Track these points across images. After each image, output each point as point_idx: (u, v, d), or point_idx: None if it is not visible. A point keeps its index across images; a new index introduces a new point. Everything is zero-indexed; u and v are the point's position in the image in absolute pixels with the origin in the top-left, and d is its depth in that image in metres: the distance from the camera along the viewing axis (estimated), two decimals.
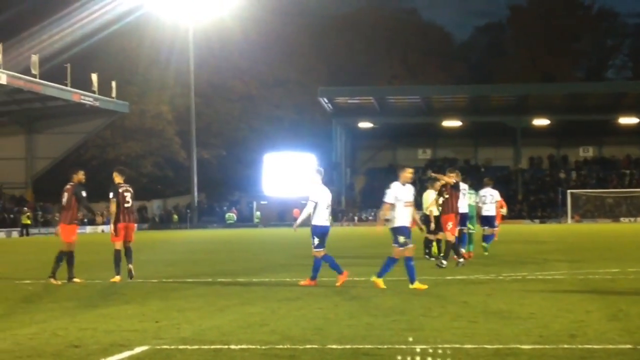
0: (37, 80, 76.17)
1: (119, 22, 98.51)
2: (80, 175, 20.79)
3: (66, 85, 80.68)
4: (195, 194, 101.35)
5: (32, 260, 31.03)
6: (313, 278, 19.05)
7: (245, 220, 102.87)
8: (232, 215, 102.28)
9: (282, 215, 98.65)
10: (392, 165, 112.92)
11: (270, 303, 15.25)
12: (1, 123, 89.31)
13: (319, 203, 19.52)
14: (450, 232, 23.96)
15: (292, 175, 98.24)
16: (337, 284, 18.65)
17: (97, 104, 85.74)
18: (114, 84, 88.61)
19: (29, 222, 75.64)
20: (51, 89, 78.78)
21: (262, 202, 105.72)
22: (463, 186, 26.12)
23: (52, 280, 19.85)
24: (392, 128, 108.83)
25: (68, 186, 20.55)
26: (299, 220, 19.89)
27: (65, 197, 20.43)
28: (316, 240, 19.15)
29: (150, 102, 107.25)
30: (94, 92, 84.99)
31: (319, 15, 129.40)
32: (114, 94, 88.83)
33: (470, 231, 27.43)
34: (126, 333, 11.92)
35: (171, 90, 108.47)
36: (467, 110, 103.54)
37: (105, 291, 18.11)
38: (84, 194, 20.48)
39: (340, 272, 18.98)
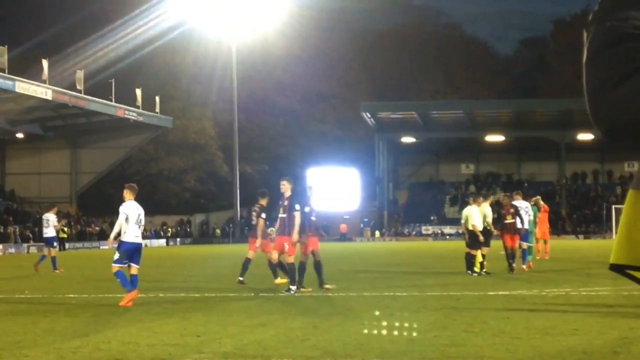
0: (82, 95, 76.91)
1: (163, 38, 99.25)
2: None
3: (111, 100, 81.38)
4: (238, 208, 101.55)
5: (73, 274, 31.21)
6: (128, 291, 18.56)
7: None
8: (274, 229, 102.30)
9: (325, 230, 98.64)
10: (435, 180, 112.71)
11: (312, 317, 15.23)
12: (47, 138, 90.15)
13: (129, 216, 19.13)
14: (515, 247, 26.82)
15: (335, 190, 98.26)
16: (122, 303, 18.16)
17: (140, 119, 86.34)
18: (157, 99, 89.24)
19: (65, 235, 76.03)
20: (96, 104, 79.47)
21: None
22: (525, 204, 29.03)
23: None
24: (434, 143, 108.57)
25: None
26: (113, 233, 19.93)
27: None
28: (117, 255, 18.96)
29: (194, 117, 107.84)
30: (138, 107, 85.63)
31: (362, 30, 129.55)
32: (157, 109, 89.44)
33: (530, 245, 30.03)
34: (168, 347, 11.95)
35: (214, 106, 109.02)
36: (511, 125, 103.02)
37: (147, 305, 18.18)
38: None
39: (129, 290, 18.47)
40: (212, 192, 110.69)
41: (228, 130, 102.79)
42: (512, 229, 26.87)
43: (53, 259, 32.75)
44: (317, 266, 21.42)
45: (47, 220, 33.63)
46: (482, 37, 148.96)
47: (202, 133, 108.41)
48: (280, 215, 21.24)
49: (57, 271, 31.74)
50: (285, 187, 21.19)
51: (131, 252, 19.10)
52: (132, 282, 18.69)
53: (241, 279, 24.29)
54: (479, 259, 26.47)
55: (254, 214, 25.28)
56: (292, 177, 21.78)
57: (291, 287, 20.76)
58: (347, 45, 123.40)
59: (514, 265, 26.97)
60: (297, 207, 20.76)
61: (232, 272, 31.66)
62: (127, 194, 19.88)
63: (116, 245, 19.45)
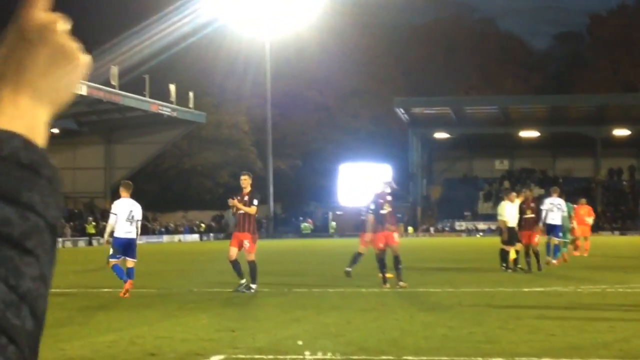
0: (117, 91, 77.30)
1: (197, 33, 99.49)
2: None
3: (145, 96, 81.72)
4: (271, 204, 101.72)
5: (108, 269, 31.31)
6: (124, 281, 19.34)
7: (320, 230, 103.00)
8: (307, 226, 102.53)
9: (357, 225, 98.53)
10: (468, 176, 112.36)
11: (346, 313, 15.23)
12: (82, 133, 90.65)
13: (118, 215, 19.73)
14: (536, 244, 26.27)
15: (367, 186, 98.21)
16: (121, 293, 19.04)
17: (174, 114, 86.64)
18: (191, 94, 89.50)
19: (93, 231, 76.33)
20: (130, 99, 79.85)
21: (337, 213, 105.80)
22: (558, 201, 29.01)
23: None
24: (468, 138, 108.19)
25: None
26: (106, 234, 20.17)
27: None
28: (111, 250, 19.68)
29: (227, 112, 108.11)
30: (171, 102, 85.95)
31: (396, 26, 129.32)
32: (191, 105, 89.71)
33: (564, 240, 30.31)
34: (202, 342, 11.99)
35: (248, 101, 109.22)
36: (546, 121, 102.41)
37: (181, 300, 18.25)
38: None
39: (124, 280, 19.32)
40: None
41: (261, 125, 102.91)
42: (531, 225, 26.34)
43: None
44: (396, 261, 21.08)
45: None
46: (516, 33, 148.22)
47: (236, 128, 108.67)
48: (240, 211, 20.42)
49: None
50: (246, 182, 20.63)
51: (123, 247, 19.66)
52: (128, 274, 19.42)
53: (349, 269, 24.31)
54: (513, 255, 26.29)
55: (364, 209, 25.30)
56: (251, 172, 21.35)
57: (252, 285, 20.18)
58: (381, 41, 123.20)
59: (530, 262, 26.14)
60: (255, 202, 20.26)
61: (265, 268, 31.69)
62: (122, 191, 20.35)
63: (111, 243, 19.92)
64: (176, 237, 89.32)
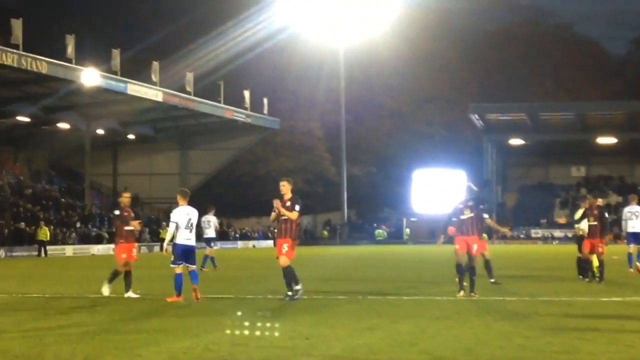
0: (192, 97, 78.01)
1: (271, 40, 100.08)
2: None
3: (219, 102, 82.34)
4: (345, 210, 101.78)
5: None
6: (177, 295, 19.64)
7: (394, 237, 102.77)
8: (381, 232, 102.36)
9: (431, 232, 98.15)
10: (544, 183, 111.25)
11: (420, 321, 15.16)
12: (157, 139, 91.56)
13: (178, 223, 19.89)
14: (600, 253, 25.01)
15: (441, 192, 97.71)
16: (168, 299, 19.46)
17: (249, 120, 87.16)
18: (265, 100, 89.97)
19: (164, 236, 76.73)
20: (205, 105, 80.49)
21: (411, 219, 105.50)
22: (637, 208, 28.58)
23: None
24: (544, 145, 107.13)
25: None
26: (166, 241, 20.36)
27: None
28: (172, 257, 19.87)
29: (301, 118, 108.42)
30: (246, 108, 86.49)
31: (470, 31, 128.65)
32: (265, 111, 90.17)
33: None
34: (277, 349, 12.02)
35: (321, 107, 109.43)
36: (623, 127, 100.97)
37: (256, 306, 18.32)
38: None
39: (178, 294, 19.59)
40: (319, 193, 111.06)
41: (335, 131, 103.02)
42: (594, 233, 25.62)
43: (205, 257, 34.29)
44: (487, 265, 20.83)
45: (208, 221, 34.82)
46: (593, 37, 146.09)
47: (310, 134, 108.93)
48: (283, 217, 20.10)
49: (204, 269, 32.95)
50: (285, 188, 20.37)
51: (185, 254, 19.89)
52: (191, 278, 19.68)
53: (492, 280, 24.68)
54: (595, 263, 25.67)
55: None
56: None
57: (296, 288, 19.78)
58: (455, 47, 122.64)
59: (589, 272, 25.44)
60: (297, 208, 20.00)
61: (339, 274, 31.69)
62: (180, 199, 20.58)
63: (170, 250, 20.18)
64: (250, 243, 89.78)
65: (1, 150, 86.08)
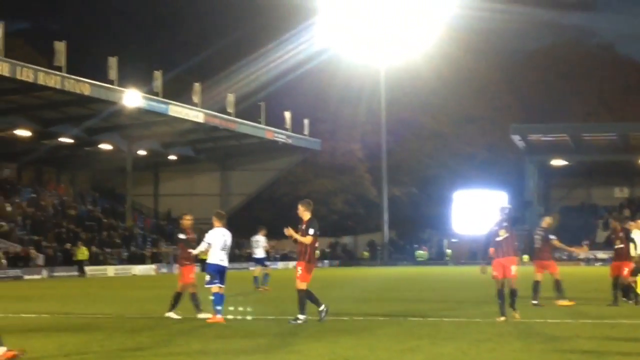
0: (233, 118, 78.28)
1: (312, 61, 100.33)
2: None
3: (260, 123, 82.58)
4: (386, 231, 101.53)
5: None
6: (217, 313, 19.99)
7: (435, 258, 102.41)
8: (422, 253, 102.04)
9: (473, 253, 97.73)
10: (587, 204, 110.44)
11: (461, 343, 15.09)
12: (198, 160, 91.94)
13: (212, 244, 20.55)
14: (625, 277, 24.77)
15: (482, 214, 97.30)
16: (208, 319, 19.88)
17: (289, 141, 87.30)
18: (306, 121, 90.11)
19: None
20: (246, 126, 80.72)
21: (452, 240, 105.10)
22: None
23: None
24: (586, 165, 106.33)
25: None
26: (195, 251, 21.37)
27: None
28: (207, 277, 20.33)
29: (341, 139, 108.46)
30: (286, 129, 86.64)
31: (511, 51, 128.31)
32: (306, 131, 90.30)
33: None
34: None
35: (362, 128, 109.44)
36: None
37: (296, 328, 18.32)
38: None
39: (218, 314, 19.94)
40: (359, 214, 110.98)
41: (376, 152, 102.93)
42: (622, 256, 25.31)
43: (255, 278, 34.86)
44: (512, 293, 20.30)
45: (257, 241, 35.32)
46: (635, 57, 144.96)
47: (350, 155, 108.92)
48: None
49: (261, 289, 33.94)
50: (301, 212, 20.31)
51: (217, 273, 20.43)
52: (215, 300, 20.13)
53: (535, 302, 24.82)
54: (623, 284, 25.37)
55: (537, 237, 25.39)
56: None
57: (299, 316, 19.53)
58: (496, 67, 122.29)
59: (617, 295, 24.95)
60: (311, 232, 19.95)
61: (379, 296, 31.63)
62: (216, 221, 20.96)
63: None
64: (291, 264, 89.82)
65: (44, 171, 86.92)
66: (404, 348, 14.51)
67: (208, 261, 20.55)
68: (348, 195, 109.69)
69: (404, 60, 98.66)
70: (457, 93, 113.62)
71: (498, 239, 20.20)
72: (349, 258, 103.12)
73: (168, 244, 79.88)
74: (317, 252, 36.46)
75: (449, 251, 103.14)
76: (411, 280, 48.60)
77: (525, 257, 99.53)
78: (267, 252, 36.97)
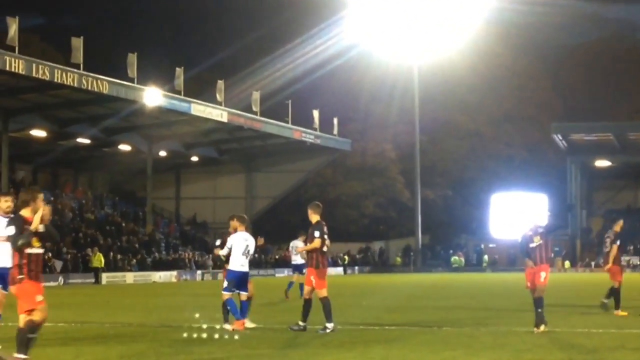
0: (258, 117, 78.25)
1: (341, 57, 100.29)
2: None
3: (287, 122, 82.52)
4: (419, 235, 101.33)
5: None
6: (237, 319, 20.12)
7: (472, 264, 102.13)
8: (458, 259, 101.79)
9: (511, 259, 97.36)
10: (633, 207, 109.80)
11: (499, 354, 15.03)
12: (222, 161, 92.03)
13: (235, 249, 20.67)
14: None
15: (522, 217, 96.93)
16: (231, 327, 19.96)
17: (318, 141, 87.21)
18: (335, 120, 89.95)
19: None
20: (272, 126, 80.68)
21: (490, 245, 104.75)
22: None
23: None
24: (633, 166, 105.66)
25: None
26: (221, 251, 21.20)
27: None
28: (225, 283, 20.59)
29: (372, 139, 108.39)
30: (315, 129, 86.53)
31: (552, 47, 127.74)
32: (335, 131, 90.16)
33: None
34: None
35: (394, 128, 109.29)
36: None
37: (326, 337, 18.31)
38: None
39: (237, 318, 20.10)
40: (392, 218, 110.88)
41: (409, 153, 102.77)
42: None
43: (300, 285, 34.36)
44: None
45: (295, 247, 35.06)
46: None
47: (382, 156, 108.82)
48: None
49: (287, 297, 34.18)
50: (310, 215, 20.41)
51: (238, 281, 20.59)
52: (241, 309, 20.32)
53: (605, 301, 25.34)
54: None
55: (607, 240, 25.39)
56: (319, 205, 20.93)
57: (327, 325, 19.59)
58: (536, 63, 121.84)
59: None
60: (316, 234, 19.98)
61: (412, 304, 31.58)
62: (238, 225, 21.04)
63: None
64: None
65: (61, 173, 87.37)
66: (438, 359, 14.47)
67: (229, 267, 20.73)
68: (379, 198, 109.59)
69: (439, 56, 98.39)
70: (494, 91, 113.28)
71: (532, 245, 20.04)
72: (380, 264, 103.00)
73: (192, 250, 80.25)
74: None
75: (486, 257, 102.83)
76: (446, 288, 48.49)
77: (567, 264, 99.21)
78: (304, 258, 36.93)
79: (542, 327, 19.24)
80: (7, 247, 15.15)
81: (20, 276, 12.60)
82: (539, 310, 19.48)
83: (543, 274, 19.75)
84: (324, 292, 19.84)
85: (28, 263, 12.76)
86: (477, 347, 16.28)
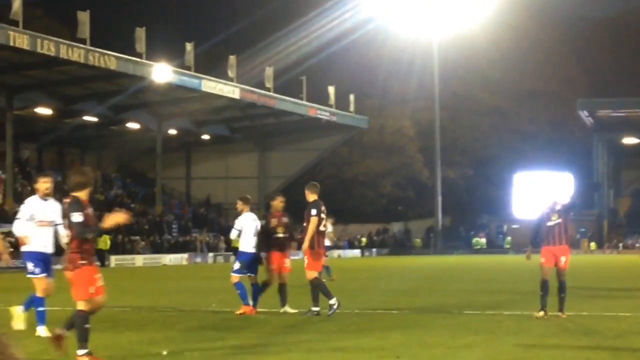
0: (271, 94, 78.22)
1: (357, 31, 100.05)
2: None
3: (302, 99, 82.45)
4: (439, 216, 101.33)
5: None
6: (245, 304, 20.21)
7: (494, 245, 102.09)
8: (480, 240, 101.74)
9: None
10: None
11: (523, 339, 14.99)
12: (233, 140, 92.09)
13: (246, 230, 20.79)
14: None
15: (546, 197, 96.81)
16: (238, 312, 20.03)
17: (334, 118, 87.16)
18: (352, 97, 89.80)
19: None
20: (286, 103, 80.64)
21: (513, 226, 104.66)
22: None
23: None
24: None
25: None
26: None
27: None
28: (238, 265, 20.76)
29: (390, 116, 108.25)
30: (330, 106, 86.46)
31: (578, 19, 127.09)
32: (351, 108, 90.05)
33: None
34: None
35: (413, 104, 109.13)
36: None
37: (342, 322, 18.31)
38: None
39: (246, 303, 20.16)
40: (410, 198, 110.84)
41: (428, 130, 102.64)
42: None
43: (326, 268, 35.17)
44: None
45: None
46: None
47: (400, 134, 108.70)
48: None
49: (332, 278, 34.50)
50: (307, 195, 20.49)
51: (250, 262, 20.80)
52: (254, 294, 20.48)
53: None
54: None
55: None
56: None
57: (313, 308, 19.83)
58: (562, 37, 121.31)
59: None
60: (313, 212, 20.06)
61: (432, 287, 31.56)
62: (244, 207, 21.30)
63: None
64: (335, 253, 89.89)
65: (67, 152, 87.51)
66: (459, 344, 14.44)
67: (241, 249, 20.88)
68: (398, 177, 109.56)
69: (459, 30, 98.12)
70: (517, 65, 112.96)
71: (549, 223, 19.66)
72: (399, 246, 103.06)
73: (207, 232, 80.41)
74: (331, 234, 37.09)
75: (509, 238, 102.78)
76: (467, 270, 48.47)
77: (593, 245, 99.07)
78: (332, 240, 37.50)
79: (541, 313, 18.70)
80: (49, 232, 15.17)
81: (82, 262, 12.56)
82: (562, 295, 19.11)
83: (563, 258, 19.26)
84: (313, 274, 19.89)
85: (87, 249, 12.69)
86: (499, 331, 16.24)
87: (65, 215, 12.54)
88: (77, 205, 12.31)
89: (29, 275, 16.03)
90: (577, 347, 14.06)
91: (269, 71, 78.17)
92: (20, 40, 52.46)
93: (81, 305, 12.65)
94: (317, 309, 19.69)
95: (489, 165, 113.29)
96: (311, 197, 20.44)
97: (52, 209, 15.52)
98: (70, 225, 12.43)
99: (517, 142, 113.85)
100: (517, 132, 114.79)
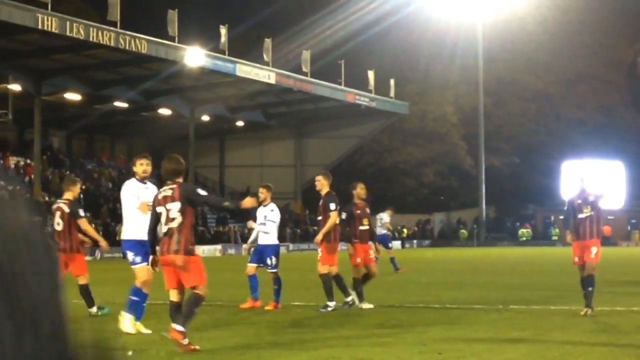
0: (309, 79, 78.20)
1: (398, 13, 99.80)
2: None
3: (340, 84, 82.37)
4: (483, 206, 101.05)
5: (296, 279, 31.56)
6: (254, 299, 20.49)
7: (541, 237, 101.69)
8: (526, 232, 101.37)
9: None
10: None
11: (571, 335, 14.95)
12: (269, 126, 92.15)
13: (275, 222, 20.68)
14: None
15: (596, 186, 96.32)
16: (242, 305, 20.29)
17: (373, 104, 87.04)
18: (392, 82, 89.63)
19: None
20: (323, 88, 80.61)
21: (561, 217, 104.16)
22: None
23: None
24: None
25: None
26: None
27: None
28: (274, 260, 20.56)
29: (432, 102, 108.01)
30: (370, 91, 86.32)
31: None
32: (392, 94, 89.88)
33: None
34: None
35: (455, 89, 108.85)
36: None
37: (382, 316, 18.32)
38: None
39: (255, 298, 20.47)
40: (453, 187, 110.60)
41: (472, 117, 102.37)
42: None
43: (391, 259, 36.64)
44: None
45: (381, 219, 37.21)
46: None
47: (443, 120, 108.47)
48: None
49: (400, 270, 35.91)
50: (320, 184, 20.31)
51: (277, 255, 21.02)
52: (276, 290, 20.40)
53: None
54: None
55: None
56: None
57: (328, 303, 19.56)
58: (615, 17, 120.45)
59: None
60: (332, 207, 19.83)
61: (476, 280, 31.51)
62: (267, 195, 20.97)
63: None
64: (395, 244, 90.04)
65: (97, 139, 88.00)
66: (504, 340, 14.42)
67: (272, 242, 20.84)
68: (440, 165, 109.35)
69: (505, 12, 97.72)
70: (566, 48, 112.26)
71: (581, 215, 19.30)
72: (440, 237, 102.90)
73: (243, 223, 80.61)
74: (388, 224, 38.61)
75: (556, 230, 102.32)
76: (512, 263, 48.35)
77: (637, 235, 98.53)
78: (389, 230, 38.84)
79: (588, 311, 18.31)
80: (144, 218, 14.96)
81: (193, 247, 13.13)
82: (589, 289, 18.68)
83: (594, 249, 18.88)
84: (325, 269, 19.79)
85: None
86: (546, 327, 16.20)
87: (184, 198, 13.20)
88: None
89: (133, 266, 15.95)
90: (628, 344, 14.00)
91: (306, 55, 78.10)
92: (49, 23, 52.76)
93: (202, 290, 13.32)
94: (333, 303, 19.55)
95: (535, 153, 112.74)
96: (325, 187, 20.29)
97: (152, 193, 14.86)
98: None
99: (565, 128, 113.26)
100: (565, 118, 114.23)
